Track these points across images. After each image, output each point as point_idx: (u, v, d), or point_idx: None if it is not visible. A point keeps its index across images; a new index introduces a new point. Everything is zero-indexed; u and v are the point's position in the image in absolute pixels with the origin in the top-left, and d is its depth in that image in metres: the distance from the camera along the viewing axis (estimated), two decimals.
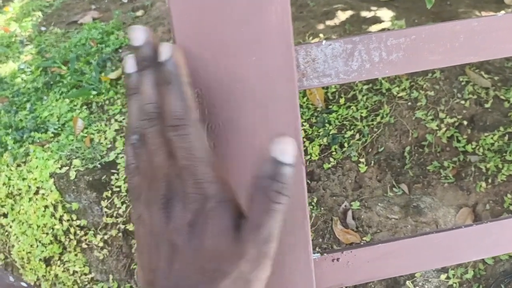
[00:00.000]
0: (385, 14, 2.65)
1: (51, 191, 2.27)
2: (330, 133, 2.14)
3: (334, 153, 2.10)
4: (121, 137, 2.38)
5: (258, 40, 0.45)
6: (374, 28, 2.55)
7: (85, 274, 2.24)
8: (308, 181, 2.04)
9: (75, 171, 2.26)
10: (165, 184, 0.43)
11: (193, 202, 0.41)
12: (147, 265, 0.43)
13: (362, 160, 2.06)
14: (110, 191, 2.20)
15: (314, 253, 0.57)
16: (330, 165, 2.07)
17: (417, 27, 0.51)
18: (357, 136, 2.12)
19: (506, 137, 1.99)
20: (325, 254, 0.58)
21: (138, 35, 0.43)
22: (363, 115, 2.17)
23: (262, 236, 0.40)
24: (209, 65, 0.45)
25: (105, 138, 2.39)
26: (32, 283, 2.32)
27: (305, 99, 2.27)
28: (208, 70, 0.45)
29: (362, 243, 1.85)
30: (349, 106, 2.21)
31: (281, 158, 0.40)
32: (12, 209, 2.39)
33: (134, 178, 0.45)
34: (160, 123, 0.42)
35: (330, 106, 2.25)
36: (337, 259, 0.59)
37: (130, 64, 0.44)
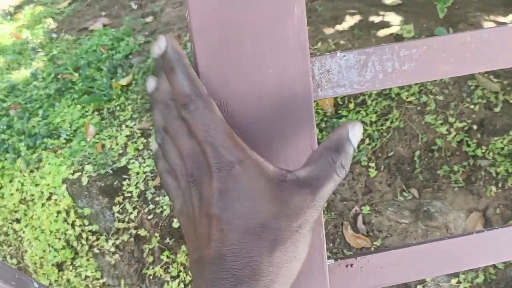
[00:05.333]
0: (394, 18, 2.66)
1: (63, 196, 2.29)
2: None
3: None
4: (132, 142, 2.40)
5: (276, 53, 0.47)
6: (383, 32, 2.56)
7: (97, 279, 2.26)
8: None
9: (87, 176, 2.28)
10: (191, 164, 0.44)
11: (218, 171, 0.42)
12: (191, 247, 0.45)
13: (372, 164, 2.06)
14: (121, 197, 2.22)
15: (327, 259, 0.58)
16: None
17: (429, 38, 0.52)
18: (367, 141, 2.13)
19: None
20: (339, 260, 0.59)
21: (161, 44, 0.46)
22: (373, 119, 2.18)
23: (317, 198, 0.43)
24: (229, 78, 0.47)
25: (117, 144, 2.41)
26: None
27: (314, 104, 2.27)
28: (228, 83, 0.47)
29: (372, 248, 1.86)
30: (359, 111, 2.22)
31: (353, 140, 0.44)
32: (25, 215, 2.42)
33: (168, 179, 0.47)
34: (176, 108, 0.45)
35: (340, 111, 2.25)
36: (351, 265, 0.60)
37: (150, 82, 0.47)
